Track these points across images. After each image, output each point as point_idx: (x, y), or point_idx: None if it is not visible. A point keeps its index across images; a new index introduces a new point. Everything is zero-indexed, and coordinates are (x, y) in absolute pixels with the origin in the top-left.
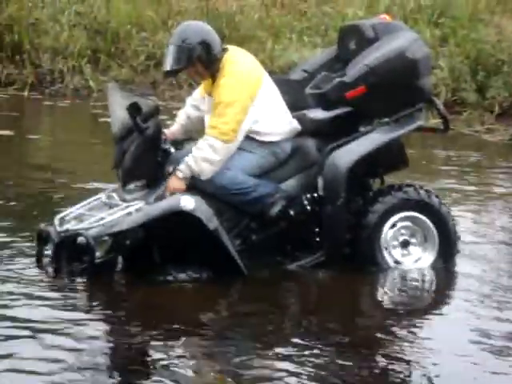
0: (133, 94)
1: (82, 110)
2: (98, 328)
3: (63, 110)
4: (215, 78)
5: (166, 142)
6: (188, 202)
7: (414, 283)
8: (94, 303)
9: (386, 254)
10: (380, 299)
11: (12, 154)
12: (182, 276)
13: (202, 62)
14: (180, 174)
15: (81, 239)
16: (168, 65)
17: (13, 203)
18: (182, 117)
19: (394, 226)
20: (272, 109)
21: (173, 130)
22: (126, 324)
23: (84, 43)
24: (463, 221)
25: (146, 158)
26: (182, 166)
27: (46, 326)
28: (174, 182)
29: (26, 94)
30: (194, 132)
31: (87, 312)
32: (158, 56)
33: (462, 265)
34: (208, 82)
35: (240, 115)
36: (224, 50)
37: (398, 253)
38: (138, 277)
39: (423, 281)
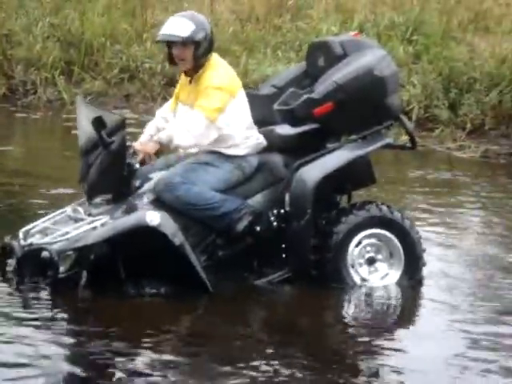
0: (99, 108)
1: (54, 121)
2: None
3: (36, 121)
4: (197, 74)
5: (132, 157)
6: (154, 217)
7: (379, 300)
8: (56, 317)
9: (352, 272)
10: (345, 315)
11: None
12: (146, 291)
13: (196, 48)
14: (156, 137)
15: (44, 254)
16: (169, 29)
17: None
18: (151, 128)
19: (359, 244)
20: (243, 120)
21: (142, 140)
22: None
23: (57, 55)
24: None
25: (111, 173)
26: (160, 132)
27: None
28: (149, 145)
29: None
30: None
31: (47, 328)
32: (131, 69)
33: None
34: (183, 85)
35: (224, 101)
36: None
37: (364, 270)
38: (101, 291)
39: (388, 297)
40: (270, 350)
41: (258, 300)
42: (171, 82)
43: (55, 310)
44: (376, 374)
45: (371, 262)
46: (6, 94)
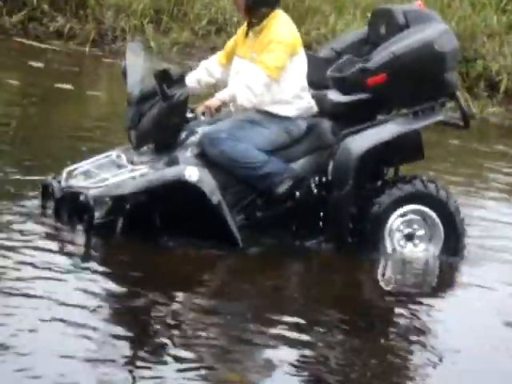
0: (157, 58)
1: None
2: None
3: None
4: (258, 27)
5: (188, 110)
6: (192, 173)
7: (414, 270)
8: (90, 261)
9: (390, 244)
10: (380, 281)
11: (70, 107)
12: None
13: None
14: (219, 95)
15: (82, 198)
16: None
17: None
18: (192, 79)
19: (400, 217)
20: (299, 79)
21: None
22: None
23: (147, 3)
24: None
25: (167, 125)
26: (223, 91)
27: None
28: (212, 101)
29: (86, 49)
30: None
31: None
32: (219, 21)
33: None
34: (241, 39)
35: (285, 56)
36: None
37: (403, 244)
38: (136, 238)
39: (424, 269)
40: (299, 307)
41: (291, 259)
42: None
43: (87, 254)
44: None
45: (410, 237)
46: (96, 39)
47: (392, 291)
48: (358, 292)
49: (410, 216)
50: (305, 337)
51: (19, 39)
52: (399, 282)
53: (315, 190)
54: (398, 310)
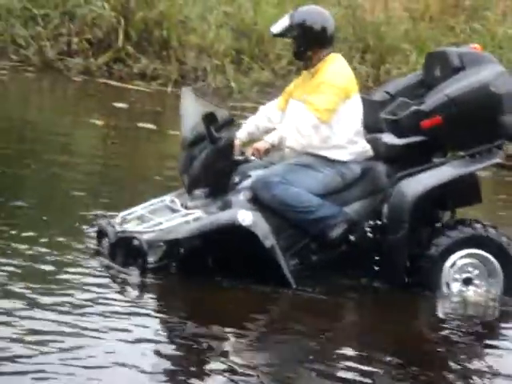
0: (208, 102)
1: None
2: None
3: None
4: (313, 69)
5: (237, 153)
6: (246, 217)
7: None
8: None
9: (445, 288)
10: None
11: (151, 147)
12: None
13: (295, 43)
14: (268, 138)
15: (135, 242)
16: (272, 27)
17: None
18: (250, 124)
19: (455, 262)
20: (353, 124)
21: (239, 136)
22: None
23: (229, 43)
24: None
25: (215, 168)
26: (272, 133)
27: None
28: (261, 143)
29: (169, 89)
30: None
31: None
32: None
33: None
34: (298, 82)
35: (336, 99)
36: (326, 50)
37: (460, 287)
38: (189, 279)
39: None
40: (350, 351)
41: (344, 299)
42: None
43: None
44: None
45: (467, 282)
46: (178, 80)
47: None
48: (413, 335)
49: (469, 260)
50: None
51: (104, 80)
52: (456, 324)
53: (370, 234)
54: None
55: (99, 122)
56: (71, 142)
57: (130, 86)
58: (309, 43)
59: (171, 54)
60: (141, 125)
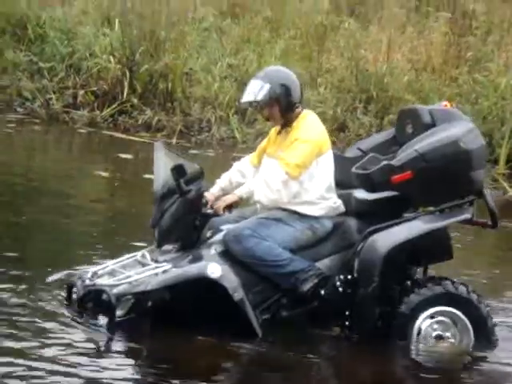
0: (179, 155)
1: (225, 159)
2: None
3: (208, 158)
4: (287, 128)
5: (207, 207)
6: (215, 270)
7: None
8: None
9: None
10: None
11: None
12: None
13: (280, 105)
14: (237, 191)
15: (104, 296)
16: (247, 96)
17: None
18: (224, 179)
19: (427, 319)
20: (324, 180)
21: (213, 191)
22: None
23: (233, 95)
24: None
25: (185, 221)
26: (242, 186)
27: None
28: (229, 196)
29: (174, 141)
30: None
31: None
32: None
33: None
34: (272, 139)
35: (309, 156)
36: (300, 107)
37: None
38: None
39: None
40: None
41: (315, 347)
42: (342, 127)
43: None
44: None
45: (439, 338)
46: (182, 131)
47: None
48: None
49: (440, 318)
50: None
51: (109, 132)
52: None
53: (340, 289)
54: None
55: (104, 174)
56: (75, 192)
57: (135, 138)
58: (291, 102)
59: (176, 106)
60: (146, 176)
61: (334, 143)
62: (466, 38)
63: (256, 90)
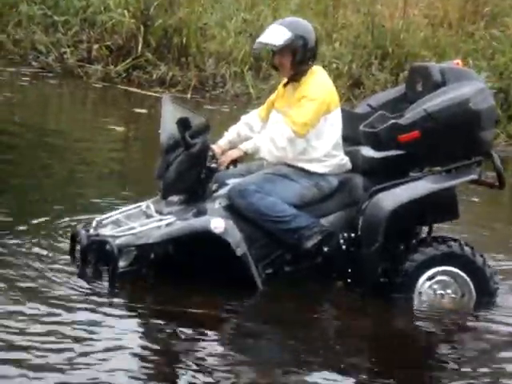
0: (185, 108)
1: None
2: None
3: (222, 114)
4: (296, 82)
5: (212, 160)
6: (218, 225)
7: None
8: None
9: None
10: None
11: None
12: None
13: (294, 56)
14: (242, 146)
15: (107, 247)
16: (265, 38)
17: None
18: (232, 132)
19: (431, 278)
20: (331, 137)
21: (220, 143)
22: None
23: (248, 50)
24: None
25: (189, 174)
26: (247, 141)
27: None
28: (234, 151)
29: (188, 96)
30: None
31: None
32: None
33: None
34: (281, 93)
35: (316, 114)
36: (312, 63)
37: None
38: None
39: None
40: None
41: (315, 303)
42: (357, 84)
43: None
44: None
45: (441, 295)
46: (197, 86)
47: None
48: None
49: (443, 277)
50: None
51: (123, 87)
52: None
53: (344, 247)
54: None
55: (119, 128)
56: (90, 145)
57: (150, 93)
58: (306, 56)
59: (190, 61)
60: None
61: (349, 99)
62: None
63: (275, 35)
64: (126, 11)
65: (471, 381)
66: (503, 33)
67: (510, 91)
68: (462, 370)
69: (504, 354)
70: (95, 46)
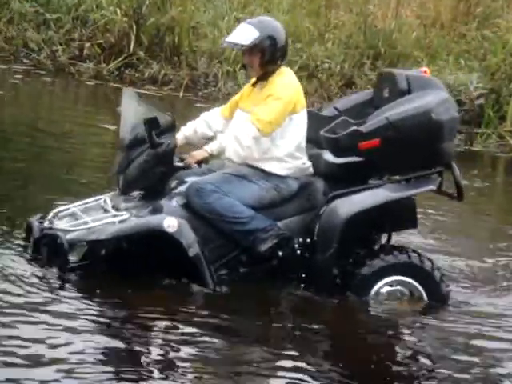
0: (148, 104)
1: None
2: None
3: None
4: (264, 81)
5: (177, 160)
6: (171, 224)
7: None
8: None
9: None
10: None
11: None
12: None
13: (262, 56)
14: (207, 147)
15: (58, 240)
16: (232, 37)
17: None
18: (189, 128)
19: (382, 288)
20: (295, 138)
21: (177, 137)
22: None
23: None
24: None
25: (153, 173)
26: (212, 142)
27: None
28: (199, 152)
29: (180, 94)
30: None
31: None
32: (311, 68)
33: None
34: (247, 93)
35: (282, 113)
36: (281, 63)
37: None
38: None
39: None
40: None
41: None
42: (349, 83)
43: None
44: None
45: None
46: (189, 85)
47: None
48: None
49: (398, 287)
50: None
51: (115, 85)
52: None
53: (298, 251)
54: None
55: (111, 127)
56: (81, 146)
57: (142, 91)
58: (275, 56)
59: (182, 60)
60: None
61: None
62: None
63: (243, 34)
64: (118, 9)
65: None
66: (495, 34)
67: (501, 92)
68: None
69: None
70: (87, 44)
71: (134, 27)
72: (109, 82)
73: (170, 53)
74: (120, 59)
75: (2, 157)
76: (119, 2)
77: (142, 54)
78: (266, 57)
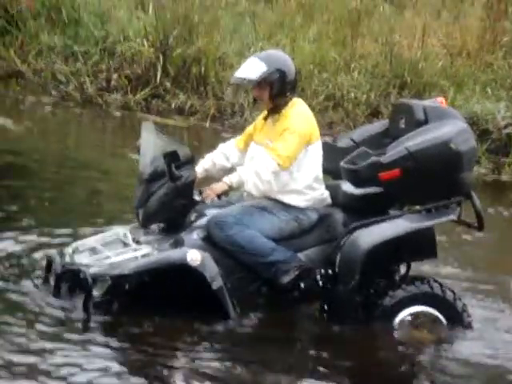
0: (170, 138)
1: None
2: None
3: None
4: (277, 114)
5: (197, 193)
6: (194, 257)
7: None
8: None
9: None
10: None
11: None
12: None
13: (271, 89)
14: (227, 179)
15: (81, 275)
16: (240, 72)
17: None
18: (207, 160)
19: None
20: (312, 170)
21: (197, 170)
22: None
23: None
24: None
25: (173, 206)
26: (231, 174)
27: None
28: (219, 184)
29: (207, 124)
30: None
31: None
32: (336, 97)
33: None
34: (260, 125)
35: (298, 146)
36: (291, 96)
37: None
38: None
39: None
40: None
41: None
42: (375, 113)
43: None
44: None
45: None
46: (215, 115)
47: None
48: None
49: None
50: None
51: (143, 115)
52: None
53: (320, 282)
54: None
55: (138, 157)
56: (109, 177)
57: (169, 122)
58: (284, 89)
59: (209, 90)
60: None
61: None
62: (502, 23)
63: (251, 69)
64: (145, 41)
65: None
66: None
67: None
68: None
69: None
70: (114, 76)
71: (161, 58)
72: (136, 112)
73: (197, 83)
74: (147, 90)
75: (29, 186)
76: (146, 34)
77: (168, 84)
78: (275, 90)
